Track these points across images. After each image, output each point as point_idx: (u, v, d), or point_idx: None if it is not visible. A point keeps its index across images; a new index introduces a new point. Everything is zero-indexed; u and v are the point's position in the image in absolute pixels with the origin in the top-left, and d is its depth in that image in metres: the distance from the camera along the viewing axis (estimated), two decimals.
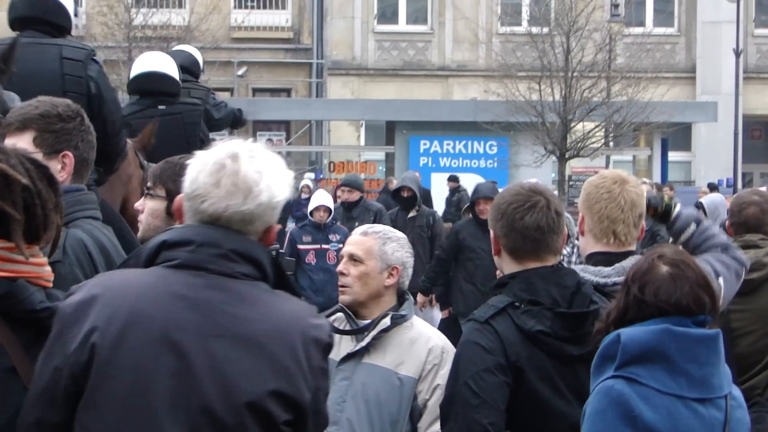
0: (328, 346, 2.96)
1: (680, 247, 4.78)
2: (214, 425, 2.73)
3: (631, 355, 3.43)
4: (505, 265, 4.02)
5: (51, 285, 3.13)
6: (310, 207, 12.15)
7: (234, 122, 10.29)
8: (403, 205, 12.97)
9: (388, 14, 33.68)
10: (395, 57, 33.50)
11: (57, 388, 2.77)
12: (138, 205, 4.24)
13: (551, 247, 3.97)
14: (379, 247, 4.56)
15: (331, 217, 12.09)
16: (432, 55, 33.65)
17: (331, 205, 12.22)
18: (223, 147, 2.92)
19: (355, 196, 13.33)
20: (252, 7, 32.04)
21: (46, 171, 3.13)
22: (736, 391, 3.58)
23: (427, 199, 22.78)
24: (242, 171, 2.85)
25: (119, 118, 6.18)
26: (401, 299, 4.60)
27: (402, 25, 33.66)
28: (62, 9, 6.13)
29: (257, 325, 2.82)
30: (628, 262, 4.07)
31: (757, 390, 5.83)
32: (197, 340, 2.77)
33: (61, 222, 3.13)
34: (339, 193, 14.42)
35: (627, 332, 3.46)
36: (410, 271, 4.65)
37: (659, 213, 5.12)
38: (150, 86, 7.56)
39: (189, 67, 9.04)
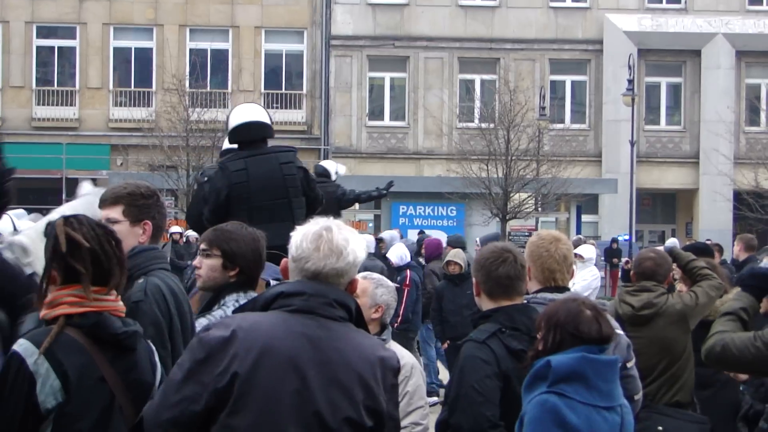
0: (396, 370, 3.32)
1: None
2: (322, 426, 3.13)
3: (560, 376, 3.67)
4: (484, 304, 4.37)
5: (124, 315, 3.36)
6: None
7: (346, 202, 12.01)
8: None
9: (376, 113, 35.28)
10: (381, 144, 34.88)
11: (198, 398, 3.09)
12: (196, 262, 4.53)
13: (518, 290, 4.34)
14: (372, 290, 4.84)
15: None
16: (408, 143, 35.03)
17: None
18: (318, 222, 3.29)
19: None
20: (276, 108, 33.33)
21: (113, 235, 3.35)
22: (625, 401, 3.86)
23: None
24: (335, 239, 3.23)
25: (316, 186, 7.07)
26: (383, 328, 4.93)
27: (386, 121, 35.28)
28: (269, 126, 6.95)
29: (350, 355, 3.21)
30: (565, 295, 4.39)
31: (649, 396, 6.16)
32: (313, 367, 3.16)
33: (124, 272, 3.34)
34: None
35: (556, 359, 3.69)
36: (392, 311, 4.93)
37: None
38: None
39: (322, 173, 11.64)
